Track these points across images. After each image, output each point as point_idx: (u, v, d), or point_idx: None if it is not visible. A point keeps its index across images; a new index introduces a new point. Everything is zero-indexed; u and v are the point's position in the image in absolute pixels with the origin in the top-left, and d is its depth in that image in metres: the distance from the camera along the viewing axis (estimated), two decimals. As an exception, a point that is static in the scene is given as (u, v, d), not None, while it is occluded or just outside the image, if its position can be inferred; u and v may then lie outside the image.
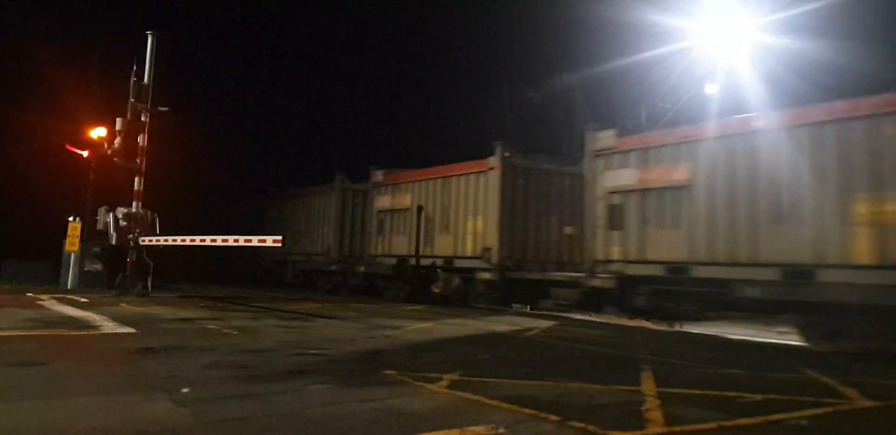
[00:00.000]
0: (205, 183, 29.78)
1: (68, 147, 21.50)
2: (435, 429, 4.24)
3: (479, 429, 4.26)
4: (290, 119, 48.66)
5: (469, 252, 15.61)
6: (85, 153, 20.65)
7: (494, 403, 5.03)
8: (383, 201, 18.52)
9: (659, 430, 4.42)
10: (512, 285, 14.73)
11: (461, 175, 16.17)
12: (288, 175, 35.05)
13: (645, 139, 12.12)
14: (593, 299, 12.59)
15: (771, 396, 5.58)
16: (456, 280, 15.90)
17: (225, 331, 9.29)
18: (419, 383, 5.74)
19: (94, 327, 9.24)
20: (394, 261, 17.63)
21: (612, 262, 12.19)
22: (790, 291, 9.79)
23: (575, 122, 24.11)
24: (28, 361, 6.35)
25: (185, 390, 5.18)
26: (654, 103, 21.46)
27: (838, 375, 6.78)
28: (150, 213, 16.84)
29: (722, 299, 10.56)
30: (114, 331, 8.97)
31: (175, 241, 15.18)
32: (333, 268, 20.86)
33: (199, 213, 26.74)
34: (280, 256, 23.28)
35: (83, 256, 17.72)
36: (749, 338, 11.06)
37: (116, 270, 16.55)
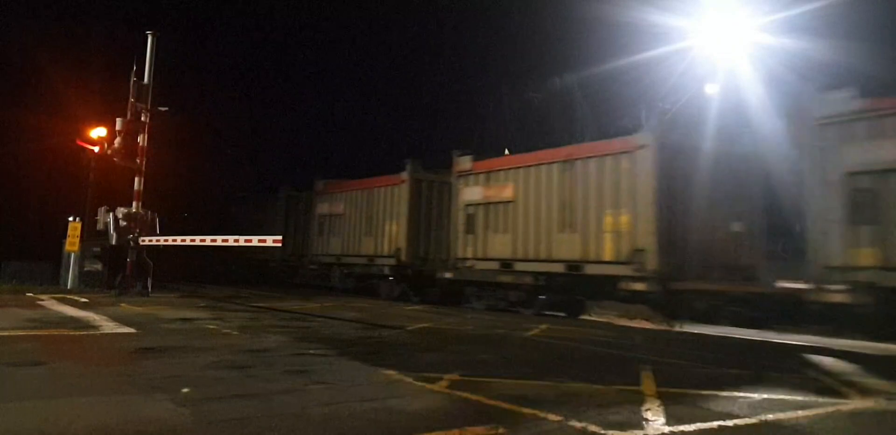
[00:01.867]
0: (193, 183, 30.37)
1: (79, 142, 21.45)
2: (435, 429, 4.24)
3: (479, 429, 4.26)
4: (297, 118, 48.96)
5: (386, 252, 18.01)
6: (96, 148, 20.49)
7: (494, 403, 5.03)
8: (322, 208, 21.12)
9: (659, 430, 4.42)
10: (417, 280, 17.43)
11: (381, 187, 18.59)
12: (299, 173, 36.15)
13: (489, 164, 15.17)
14: (457, 290, 15.91)
15: (771, 396, 5.58)
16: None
17: (225, 331, 9.29)
18: (419, 383, 5.74)
19: (94, 327, 9.23)
20: (331, 259, 20.20)
21: (467, 259, 15.31)
22: (571, 280, 13.08)
23: (575, 122, 24.11)
24: (28, 361, 6.35)
25: (185, 390, 5.17)
26: (654, 103, 21.43)
27: (838, 375, 6.78)
28: (150, 213, 16.84)
29: (538, 286, 13.66)
30: (114, 331, 8.97)
31: (175, 241, 15.18)
32: (275, 265, 23.84)
33: (188, 213, 27.79)
34: (237, 253, 25.10)
35: (83, 256, 17.69)
36: (749, 338, 11.06)
37: (116, 270, 16.54)
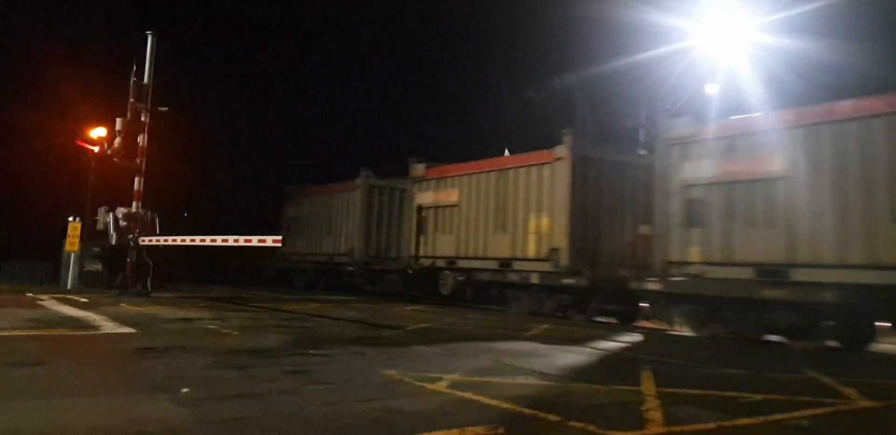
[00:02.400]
0: (213, 182, 29.99)
1: (79, 143, 21.51)
2: (435, 429, 4.23)
3: (479, 429, 4.25)
4: (298, 118, 49.19)
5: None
6: (96, 148, 20.53)
7: (494, 403, 5.02)
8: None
9: (659, 430, 4.41)
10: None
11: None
12: (302, 173, 35.73)
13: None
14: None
15: (771, 396, 5.58)
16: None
17: (225, 331, 9.29)
18: (419, 383, 5.73)
19: (94, 327, 9.23)
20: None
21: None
22: None
23: (574, 122, 24.13)
24: (28, 361, 6.34)
25: (185, 390, 5.17)
26: (654, 103, 21.46)
27: (838, 375, 6.78)
28: (150, 213, 16.86)
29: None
30: (114, 331, 8.97)
31: (175, 241, 15.18)
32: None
33: (210, 212, 26.80)
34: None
35: (83, 256, 17.71)
36: (748, 338, 11.04)
37: (116, 270, 16.56)
